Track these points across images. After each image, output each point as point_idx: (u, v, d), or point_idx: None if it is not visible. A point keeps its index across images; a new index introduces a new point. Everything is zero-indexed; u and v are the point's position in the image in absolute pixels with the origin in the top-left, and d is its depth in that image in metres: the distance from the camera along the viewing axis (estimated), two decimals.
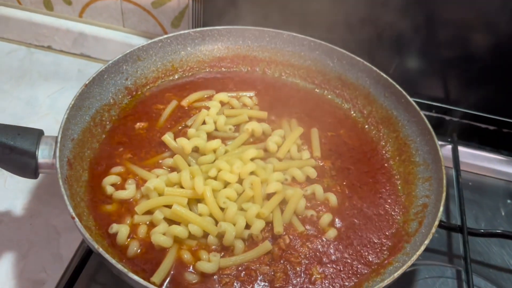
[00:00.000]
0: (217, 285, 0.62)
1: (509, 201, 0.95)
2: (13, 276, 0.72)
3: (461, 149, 0.97)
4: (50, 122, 0.97)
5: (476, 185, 0.97)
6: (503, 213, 0.93)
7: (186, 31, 0.90)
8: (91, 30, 1.10)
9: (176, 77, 0.92)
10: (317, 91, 0.95)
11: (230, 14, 0.98)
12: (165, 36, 0.88)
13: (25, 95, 1.03)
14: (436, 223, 0.65)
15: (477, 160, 0.98)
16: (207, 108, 0.86)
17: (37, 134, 0.67)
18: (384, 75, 0.87)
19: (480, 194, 0.95)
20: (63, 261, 0.75)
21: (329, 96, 0.94)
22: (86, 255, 0.71)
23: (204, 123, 0.83)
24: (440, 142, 0.95)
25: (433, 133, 0.78)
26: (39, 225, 0.80)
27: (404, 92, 0.84)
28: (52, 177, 0.67)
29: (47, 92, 1.04)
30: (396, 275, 0.59)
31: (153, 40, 0.87)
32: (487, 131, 0.99)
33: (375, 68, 0.88)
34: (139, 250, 0.65)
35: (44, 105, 1.01)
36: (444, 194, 0.69)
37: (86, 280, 0.73)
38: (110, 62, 0.81)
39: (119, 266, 0.55)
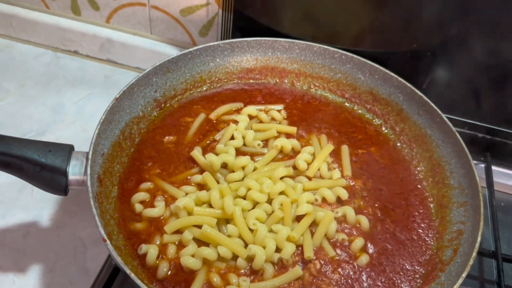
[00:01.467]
0: None
1: None
2: None
3: (494, 168, 0.94)
4: (77, 130, 0.97)
5: (509, 206, 0.94)
6: None
7: (215, 43, 0.89)
8: (118, 36, 1.09)
9: (204, 88, 0.91)
10: (347, 105, 0.93)
11: (260, 24, 0.96)
12: (195, 48, 0.87)
13: (52, 102, 1.03)
14: (474, 254, 0.63)
15: (511, 180, 0.95)
16: (236, 122, 0.84)
17: (68, 150, 0.67)
18: (419, 92, 0.84)
19: None
20: (90, 276, 0.75)
21: (360, 111, 0.92)
22: (114, 271, 0.71)
23: (232, 138, 0.82)
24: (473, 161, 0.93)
25: (469, 156, 0.75)
26: (66, 237, 0.79)
27: (439, 111, 0.81)
28: (79, 190, 0.67)
29: (74, 99, 1.04)
30: None
31: (182, 52, 0.86)
32: None
33: (409, 85, 0.86)
34: (169, 272, 0.64)
35: (71, 112, 1.01)
36: (482, 223, 0.67)
37: None
38: (141, 75, 0.80)
39: None
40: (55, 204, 0.84)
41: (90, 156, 0.67)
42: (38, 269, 0.75)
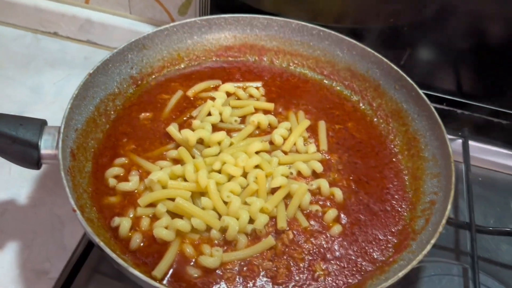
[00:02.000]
0: (219, 280, 0.62)
1: None
2: (17, 266, 0.73)
3: (471, 143, 0.94)
4: (56, 110, 0.95)
5: (486, 180, 0.95)
6: None
7: (192, 19, 0.89)
8: (98, 17, 1.09)
9: (182, 66, 0.90)
10: (326, 82, 0.93)
11: (238, 2, 0.96)
12: (171, 24, 0.87)
13: (31, 82, 1.02)
14: (444, 221, 0.64)
15: (488, 155, 0.96)
16: (213, 98, 0.84)
17: (40, 125, 0.67)
18: (395, 67, 0.85)
19: (490, 190, 0.93)
20: (67, 252, 0.75)
21: (338, 88, 0.92)
22: (89, 245, 0.71)
23: (209, 114, 0.82)
24: (450, 136, 0.94)
25: (443, 128, 0.76)
26: (43, 214, 0.80)
27: (415, 85, 0.82)
28: (56, 166, 0.67)
29: (53, 80, 1.03)
30: (400, 274, 0.58)
31: (158, 28, 0.86)
32: (500, 126, 0.97)
33: (386, 60, 0.86)
34: (142, 243, 0.65)
35: (50, 93, 1.01)
36: (452, 192, 0.67)
37: (89, 270, 0.74)
38: (115, 51, 0.80)
39: (119, 260, 0.55)
40: (33, 183, 0.84)
41: (62, 130, 0.67)
42: (15, 246, 0.75)
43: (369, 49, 0.88)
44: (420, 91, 0.81)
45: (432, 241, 0.61)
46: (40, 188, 0.83)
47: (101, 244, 0.56)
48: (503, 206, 0.91)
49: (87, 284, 0.72)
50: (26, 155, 0.65)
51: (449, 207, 0.65)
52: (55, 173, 0.84)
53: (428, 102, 0.79)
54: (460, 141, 0.94)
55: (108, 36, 1.09)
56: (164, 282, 0.61)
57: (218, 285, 0.61)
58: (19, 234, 0.77)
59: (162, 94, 0.84)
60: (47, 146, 0.66)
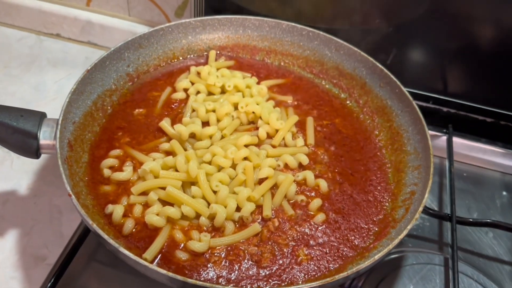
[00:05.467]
0: (206, 263, 0.65)
1: (504, 192, 0.96)
2: (17, 252, 0.76)
3: (457, 140, 0.97)
4: (57, 106, 0.99)
5: (471, 176, 0.98)
6: (498, 205, 0.94)
7: (187, 20, 0.93)
8: (98, 19, 1.13)
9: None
10: (316, 80, 0.97)
11: (232, 4, 1.00)
12: (167, 24, 0.91)
13: (34, 81, 1.07)
14: (420, 209, 0.67)
15: (473, 151, 0.99)
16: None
17: (40, 116, 0.71)
18: (380, 65, 0.88)
19: (475, 185, 0.96)
20: (64, 239, 0.79)
21: (327, 86, 0.96)
22: (85, 232, 0.74)
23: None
24: (435, 133, 0.97)
25: (424, 122, 0.79)
26: (42, 204, 0.83)
27: (398, 82, 0.85)
28: (56, 159, 0.71)
29: (55, 78, 1.08)
30: (377, 257, 0.61)
31: (154, 28, 0.90)
32: (484, 123, 1.00)
33: (371, 59, 0.90)
34: (134, 229, 0.68)
35: (52, 91, 1.05)
36: (430, 181, 0.71)
37: (85, 258, 0.77)
38: (112, 49, 0.84)
39: (111, 241, 0.59)
40: (33, 175, 0.88)
41: (60, 122, 0.71)
42: (15, 233, 0.79)
43: (355, 49, 0.92)
44: (403, 88, 0.85)
45: (409, 227, 0.64)
46: (40, 180, 0.87)
47: (94, 226, 0.60)
48: (487, 201, 0.94)
49: (83, 271, 0.76)
50: (26, 144, 0.69)
51: (426, 195, 0.69)
52: (55, 166, 0.87)
53: (411, 98, 0.83)
54: (444, 137, 0.97)
55: (108, 37, 1.14)
56: (154, 264, 0.64)
57: (205, 268, 0.65)
58: (19, 222, 0.80)
59: (153, 92, 0.88)
60: (45, 136, 0.70)
